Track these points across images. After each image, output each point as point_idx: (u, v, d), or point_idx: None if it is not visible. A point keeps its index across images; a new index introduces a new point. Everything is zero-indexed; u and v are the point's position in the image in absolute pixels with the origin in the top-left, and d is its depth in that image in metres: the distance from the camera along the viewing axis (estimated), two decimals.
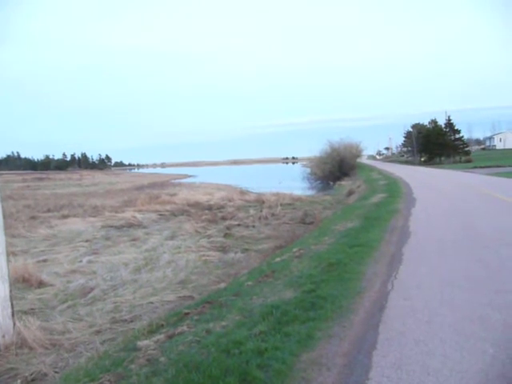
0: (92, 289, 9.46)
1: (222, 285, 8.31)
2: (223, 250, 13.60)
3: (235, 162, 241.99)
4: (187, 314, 5.00)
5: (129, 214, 22.38)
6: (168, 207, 25.64)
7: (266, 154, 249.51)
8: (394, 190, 20.45)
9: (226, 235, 15.97)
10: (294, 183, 49.05)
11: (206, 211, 23.97)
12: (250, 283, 6.02)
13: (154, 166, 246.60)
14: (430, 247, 7.69)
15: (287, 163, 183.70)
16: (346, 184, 37.45)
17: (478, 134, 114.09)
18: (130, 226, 19.98)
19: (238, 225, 18.55)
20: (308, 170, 61.17)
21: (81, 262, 12.04)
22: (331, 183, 46.88)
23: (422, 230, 9.39)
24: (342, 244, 7.51)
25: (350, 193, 29.57)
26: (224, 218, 20.84)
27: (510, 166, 38.77)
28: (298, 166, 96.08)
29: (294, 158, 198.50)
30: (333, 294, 4.86)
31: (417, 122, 75.12)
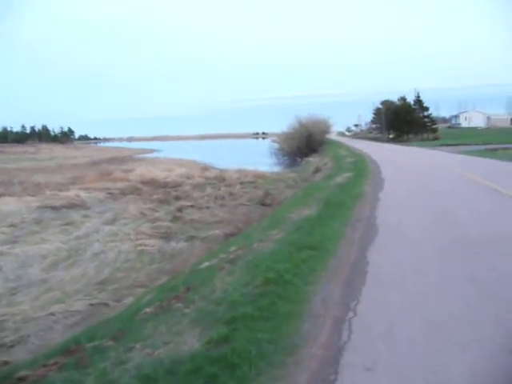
0: None
1: (138, 291, 6.64)
2: (166, 237, 11.88)
3: (205, 137, 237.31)
4: (23, 379, 3.27)
5: (72, 193, 20.15)
6: (119, 185, 23.46)
7: (237, 130, 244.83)
8: (361, 168, 19.09)
9: (174, 218, 14.21)
10: (262, 159, 47.50)
11: (161, 190, 22.06)
12: (149, 310, 4.36)
13: (121, 139, 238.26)
14: (402, 250, 6.05)
15: (257, 138, 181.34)
16: (313, 161, 36.09)
17: (444, 113, 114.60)
18: (71, 206, 17.83)
19: (191, 206, 16.79)
20: (276, 145, 59.56)
21: None
22: (299, 159, 45.52)
23: (391, 222, 7.78)
24: (291, 243, 5.89)
25: (317, 170, 28.22)
26: (178, 198, 19.01)
27: (476, 144, 38.37)
28: (267, 141, 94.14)
29: (264, 133, 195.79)
30: (252, 352, 3.04)
31: (386, 99, 74.27)
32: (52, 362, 3.35)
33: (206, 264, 5.94)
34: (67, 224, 13.85)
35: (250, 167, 31.26)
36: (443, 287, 4.60)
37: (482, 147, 33.37)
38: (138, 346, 3.31)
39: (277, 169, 39.57)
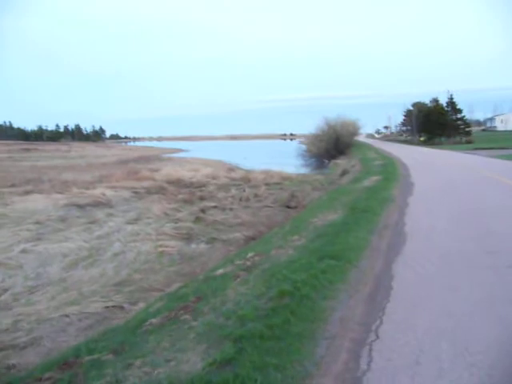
0: (5, 290, 7.57)
1: (154, 294, 6.45)
2: (188, 238, 11.71)
3: (233, 137, 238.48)
4: None
5: (98, 191, 20.37)
6: (145, 184, 23.60)
7: (265, 130, 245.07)
8: (390, 171, 18.43)
9: (196, 219, 14.05)
10: (289, 160, 47.21)
11: (186, 190, 22.04)
12: (155, 320, 4.11)
13: (151, 139, 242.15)
14: (432, 263, 5.44)
15: (285, 139, 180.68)
16: (341, 163, 35.44)
17: (479, 115, 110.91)
18: (97, 204, 17.99)
19: (215, 207, 16.61)
20: (304, 147, 59.00)
21: (12, 251, 10.10)
22: (326, 161, 44.94)
23: (421, 231, 7.14)
24: (312, 251, 5.53)
25: (344, 173, 27.66)
26: (202, 198, 18.91)
27: None
28: (295, 142, 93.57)
29: (292, 134, 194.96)
30: (257, 381, 2.65)
31: (418, 100, 72.35)
32: (47, 376, 3.16)
33: (221, 271, 5.67)
34: (91, 222, 13.91)
35: (276, 168, 30.97)
36: (481, 313, 3.97)
37: None
38: (137, 362, 3.06)
39: (304, 170, 39.15)
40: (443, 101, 64.61)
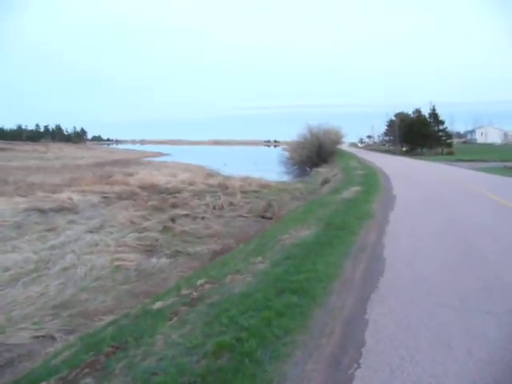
0: None
1: (98, 319, 5.48)
2: (150, 250, 10.75)
3: (218, 143, 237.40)
4: None
5: (65, 195, 19.21)
6: (117, 189, 22.50)
7: (249, 136, 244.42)
8: (372, 183, 17.75)
9: (164, 229, 13.08)
10: (271, 167, 46.59)
11: (159, 195, 21.00)
12: None
13: (134, 142, 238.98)
14: (416, 303, 4.36)
15: (269, 146, 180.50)
16: (322, 171, 34.88)
17: (459, 128, 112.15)
18: (61, 210, 16.86)
19: (186, 215, 15.65)
20: (287, 154, 58.46)
21: None
22: (308, 169, 44.40)
23: (402, 255, 6.16)
24: (272, 281, 4.61)
25: (325, 181, 27.03)
26: (174, 206, 17.92)
27: (494, 160, 36.72)
28: (278, 149, 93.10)
29: (275, 141, 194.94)
30: None
31: (401, 111, 72.62)
32: None
33: (160, 304, 4.76)
34: (48, 230, 12.80)
35: (257, 175, 30.19)
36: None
37: (501, 164, 31.79)
38: None
39: (285, 178, 38.52)
40: (425, 112, 64.97)
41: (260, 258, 5.86)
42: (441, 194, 14.04)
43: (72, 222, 14.20)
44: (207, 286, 4.97)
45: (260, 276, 5.02)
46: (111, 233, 12.45)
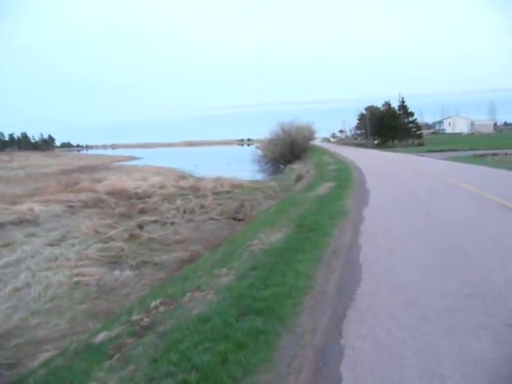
0: None
1: (46, 350, 4.84)
2: (115, 262, 10.07)
3: (190, 144, 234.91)
4: None
5: (26, 207, 18.17)
6: (83, 196, 21.55)
7: (222, 136, 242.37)
8: (345, 177, 17.45)
9: (130, 237, 12.38)
10: (245, 166, 46.14)
11: (128, 201, 20.16)
12: None
13: (105, 147, 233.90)
14: (399, 328, 3.65)
15: (242, 145, 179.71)
16: (296, 168, 34.60)
17: (428, 119, 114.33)
18: (20, 222, 15.90)
19: (155, 221, 14.97)
20: (260, 152, 58.02)
21: None
22: (282, 166, 44.08)
23: (380, 258, 5.62)
24: (236, 299, 3.97)
25: (299, 178, 26.74)
26: (142, 211, 17.18)
27: (463, 149, 37.27)
28: (252, 147, 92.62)
29: (249, 139, 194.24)
30: None
31: (371, 104, 73.23)
32: None
33: (103, 336, 4.16)
34: (4, 246, 11.92)
35: (230, 175, 29.65)
36: None
37: (470, 153, 32.25)
38: None
39: (259, 176, 38.13)
40: (395, 105, 65.66)
41: (225, 270, 5.31)
42: (415, 186, 13.69)
43: (31, 235, 13.32)
44: (162, 309, 4.39)
45: (223, 292, 4.46)
46: (73, 245, 11.68)
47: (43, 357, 4.99)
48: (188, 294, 4.62)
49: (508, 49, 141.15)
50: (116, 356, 3.42)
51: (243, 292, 4.30)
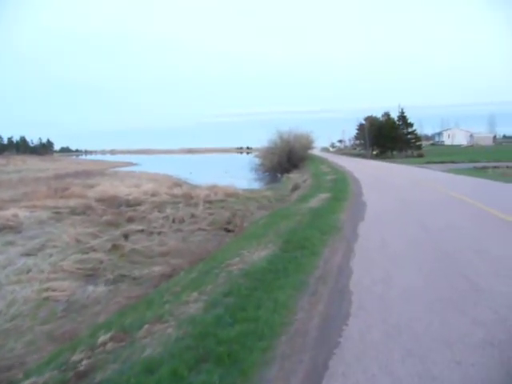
0: None
1: None
2: (92, 275, 9.39)
3: (190, 151, 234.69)
4: None
5: (10, 212, 17.48)
6: (72, 202, 20.88)
7: (222, 144, 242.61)
8: (341, 188, 16.84)
9: (113, 248, 11.70)
10: (242, 173, 45.68)
11: (117, 208, 19.50)
12: None
13: (104, 152, 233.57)
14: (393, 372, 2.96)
15: (242, 153, 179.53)
16: (293, 177, 34.12)
17: (427, 130, 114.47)
18: (3, 228, 15.23)
19: (142, 230, 14.31)
20: (258, 160, 57.51)
21: None
22: (279, 175, 43.62)
23: (373, 292, 4.68)
24: (197, 338, 3.20)
25: (295, 188, 26.18)
26: (130, 220, 16.50)
27: (463, 162, 36.78)
28: (251, 156, 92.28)
29: (248, 148, 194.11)
30: None
31: (370, 114, 72.91)
32: None
33: (32, 382, 3.50)
34: None
35: (227, 183, 29.02)
36: None
37: (470, 165, 31.72)
38: None
39: (256, 185, 37.56)
40: (394, 115, 65.38)
41: (195, 294, 4.66)
42: (415, 200, 12.85)
43: (9, 243, 12.64)
44: (110, 346, 3.74)
45: (184, 327, 3.77)
46: (50, 255, 11.00)
47: None
48: (146, 327, 3.96)
49: (508, 62, 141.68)
50: None
51: (207, 329, 3.59)
